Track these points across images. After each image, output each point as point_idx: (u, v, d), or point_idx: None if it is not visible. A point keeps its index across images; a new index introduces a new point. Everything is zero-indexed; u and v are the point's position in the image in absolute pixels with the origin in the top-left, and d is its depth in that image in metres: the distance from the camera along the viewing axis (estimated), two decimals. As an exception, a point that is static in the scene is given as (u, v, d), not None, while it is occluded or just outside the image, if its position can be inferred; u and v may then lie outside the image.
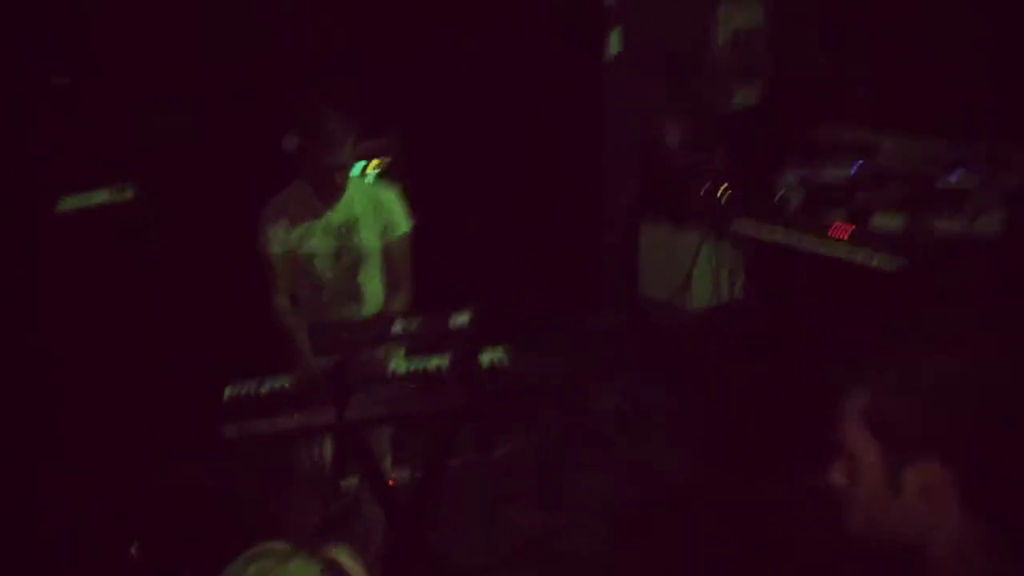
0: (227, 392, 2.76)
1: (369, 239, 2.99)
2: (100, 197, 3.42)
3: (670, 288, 4.96)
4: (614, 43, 4.69)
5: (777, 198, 4.39)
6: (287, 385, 2.77)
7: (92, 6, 3.45)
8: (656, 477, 3.72)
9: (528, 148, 4.66)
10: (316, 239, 2.92)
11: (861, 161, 4.20)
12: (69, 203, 3.37)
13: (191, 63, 3.62)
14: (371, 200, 3.00)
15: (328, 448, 3.03)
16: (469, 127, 4.36)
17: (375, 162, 3.49)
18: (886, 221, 4.03)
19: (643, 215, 5.13)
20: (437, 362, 2.80)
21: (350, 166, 2.93)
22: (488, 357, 2.80)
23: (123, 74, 3.52)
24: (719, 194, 4.47)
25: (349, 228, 2.95)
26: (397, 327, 2.67)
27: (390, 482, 3.06)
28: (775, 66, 4.96)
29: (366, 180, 3.31)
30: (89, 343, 3.44)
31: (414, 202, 3.13)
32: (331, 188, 2.89)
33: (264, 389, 2.76)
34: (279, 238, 2.90)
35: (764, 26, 4.94)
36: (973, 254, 4.05)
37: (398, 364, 2.83)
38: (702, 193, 4.56)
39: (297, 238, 2.91)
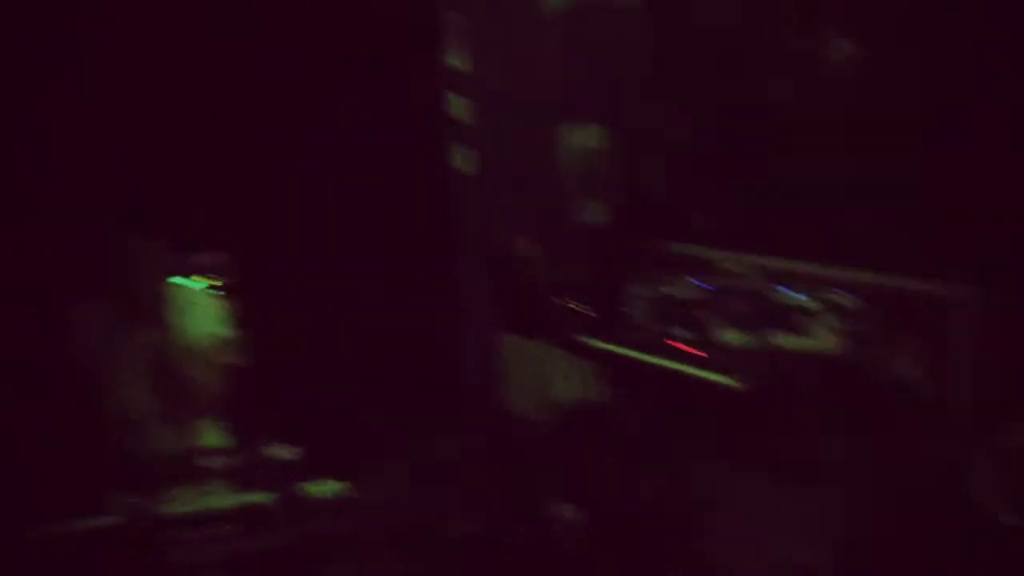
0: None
1: (190, 355, 2.80)
2: None
3: (536, 401, 4.88)
4: (463, 160, 4.73)
5: (624, 312, 4.50)
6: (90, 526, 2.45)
7: None
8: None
9: (378, 263, 4.56)
10: (127, 356, 2.69)
11: (702, 281, 4.36)
12: None
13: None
14: (195, 313, 2.85)
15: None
16: (315, 244, 4.24)
17: (204, 277, 3.29)
18: (728, 338, 4.17)
19: (502, 330, 5.08)
20: (262, 497, 2.56)
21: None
22: (321, 490, 2.59)
23: None
24: (568, 308, 4.51)
25: (165, 343, 2.75)
26: (216, 460, 2.43)
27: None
28: (619, 186, 5.12)
29: (194, 292, 3.10)
30: None
31: (251, 321, 2.96)
32: (145, 307, 2.71)
33: (61, 530, 2.43)
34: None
35: (607, 148, 5.12)
36: (814, 370, 4.21)
37: (218, 500, 2.57)
38: (552, 307, 4.59)
39: (104, 355, 2.67)
